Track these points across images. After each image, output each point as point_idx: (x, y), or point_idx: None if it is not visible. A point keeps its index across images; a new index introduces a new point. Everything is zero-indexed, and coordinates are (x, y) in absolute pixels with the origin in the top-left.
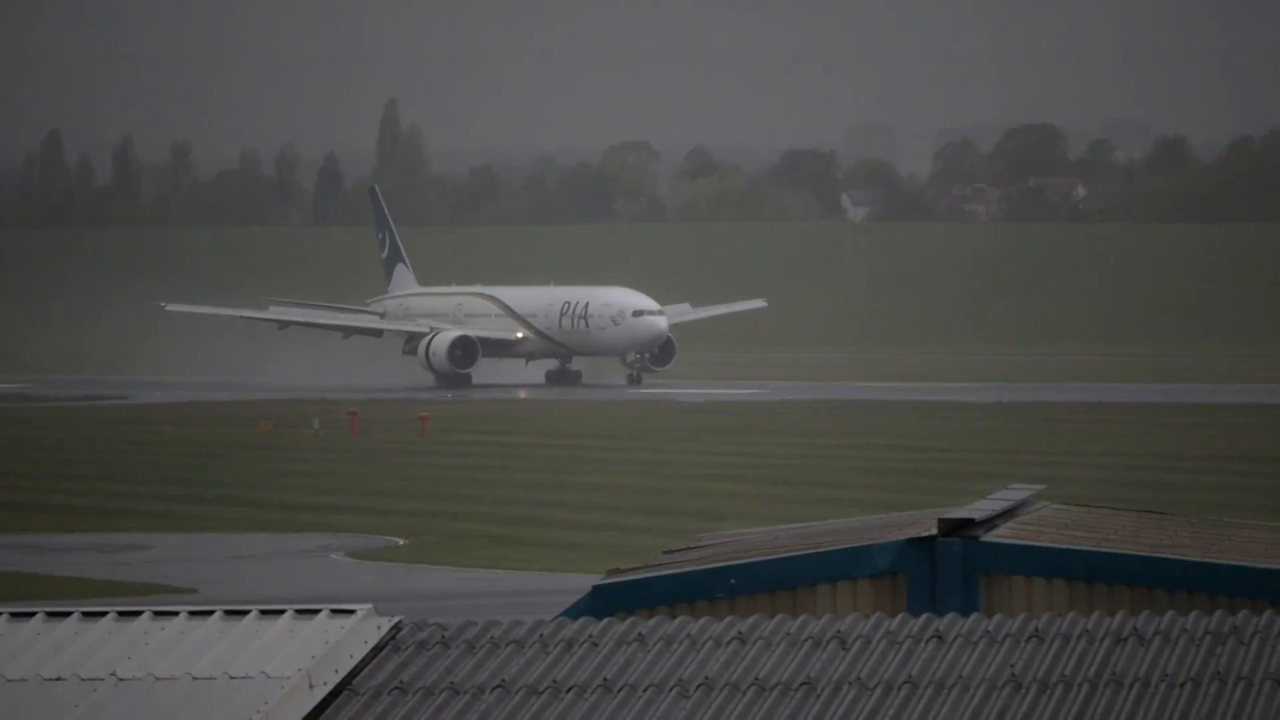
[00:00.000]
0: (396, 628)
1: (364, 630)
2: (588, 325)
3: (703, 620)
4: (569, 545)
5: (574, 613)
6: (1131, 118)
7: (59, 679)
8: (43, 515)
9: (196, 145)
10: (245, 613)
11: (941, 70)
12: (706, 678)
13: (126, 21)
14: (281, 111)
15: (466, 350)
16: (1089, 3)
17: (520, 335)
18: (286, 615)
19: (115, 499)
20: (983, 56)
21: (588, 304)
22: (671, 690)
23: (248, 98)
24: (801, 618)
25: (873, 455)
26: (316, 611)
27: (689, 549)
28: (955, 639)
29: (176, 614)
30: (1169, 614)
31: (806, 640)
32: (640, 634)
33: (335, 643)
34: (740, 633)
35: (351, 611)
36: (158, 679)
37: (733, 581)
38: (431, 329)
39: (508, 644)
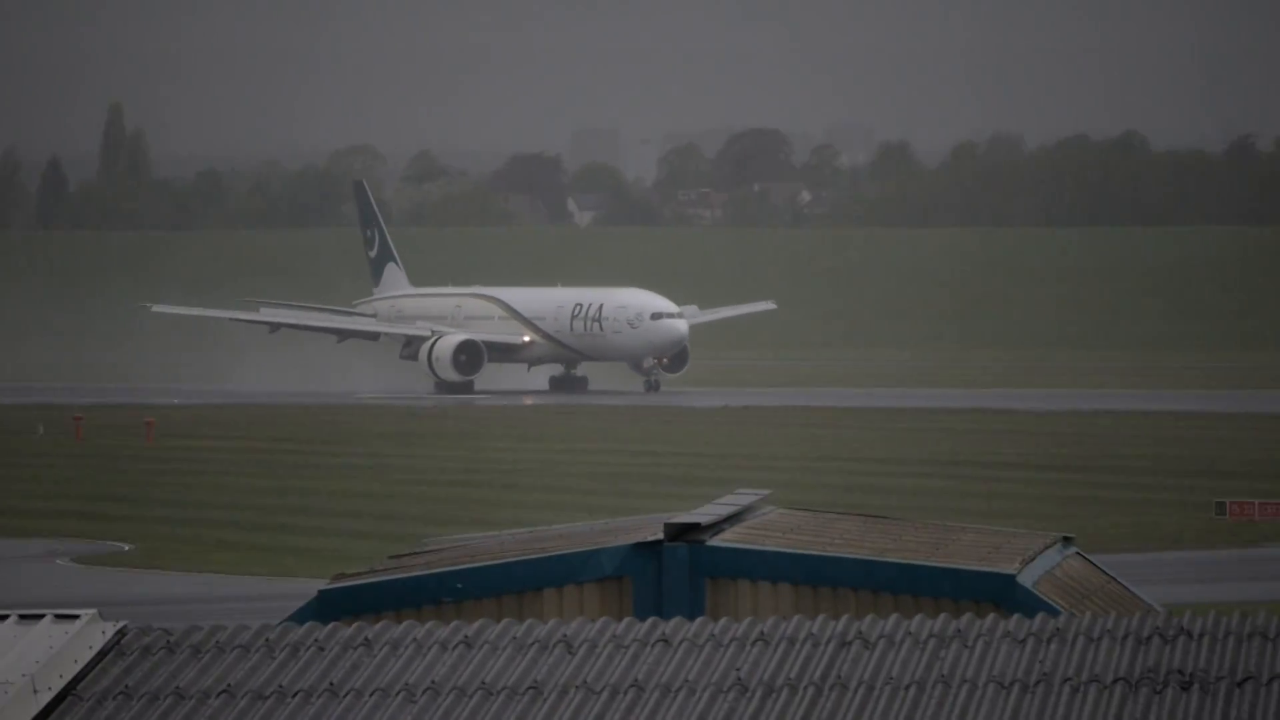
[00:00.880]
0: (121, 633)
1: (88, 635)
2: (602, 329)
3: (429, 624)
4: (295, 550)
5: (300, 618)
6: (855, 123)
7: None
8: None
9: None
10: None
11: (667, 75)
12: (433, 682)
13: None
14: (3, 113)
15: (471, 355)
16: (810, 7)
17: (527, 339)
18: (9, 621)
19: None
20: (709, 62)
21: (602, 306)
22: (398, 694)
23: None
24: (528, 622)
25: (599, 460)
26: (40, 617)
27: (415, 553)
28: (681, 642)
29: None
30: (893, 617)
31: (533, 644)
32: (366, 638)
33: (59, 648)
34: (466, 637)
35: (76, 617)
36: None
37: (459, 586)
38: (433, 332)
39: (233, 649)
